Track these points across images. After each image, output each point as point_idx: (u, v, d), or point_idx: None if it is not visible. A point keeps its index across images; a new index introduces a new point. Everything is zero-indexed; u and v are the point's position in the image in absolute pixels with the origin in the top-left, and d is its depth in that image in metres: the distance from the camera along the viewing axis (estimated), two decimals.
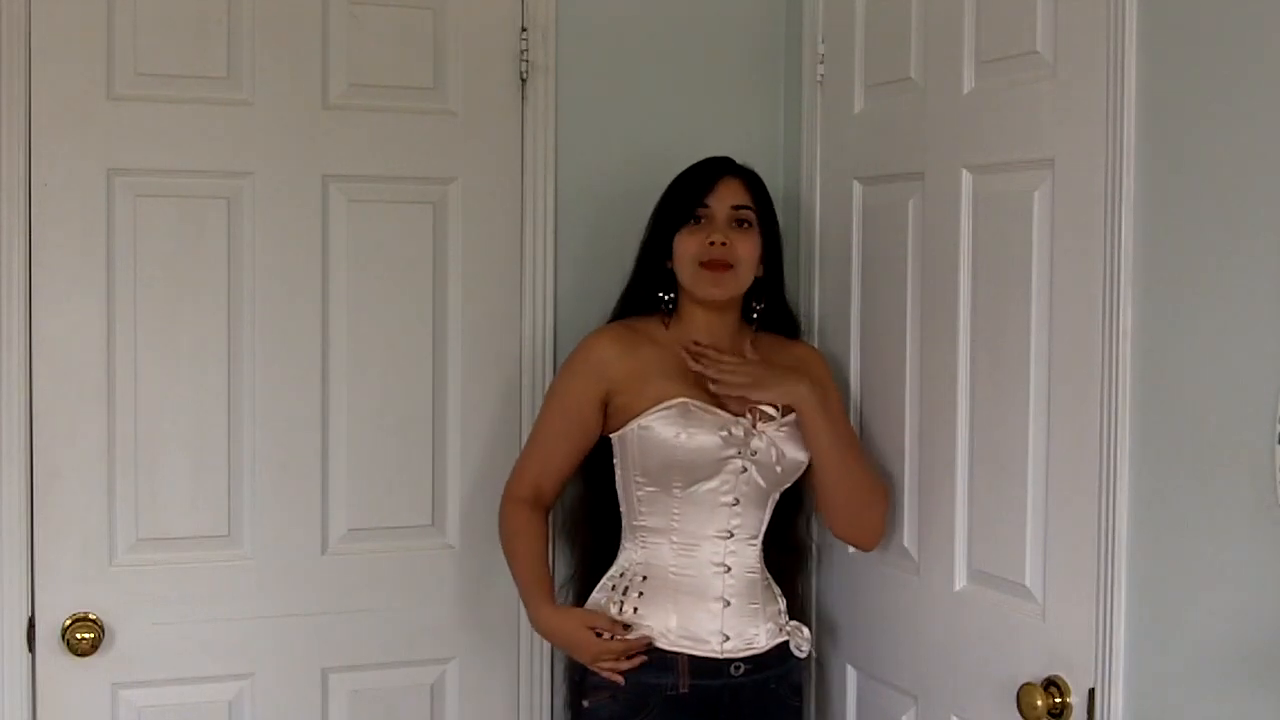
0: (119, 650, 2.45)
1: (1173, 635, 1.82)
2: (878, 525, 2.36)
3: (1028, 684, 2.01)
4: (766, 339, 2.42)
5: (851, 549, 2.47)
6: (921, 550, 2.32)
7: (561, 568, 2.58)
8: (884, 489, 2.36)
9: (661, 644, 2.28)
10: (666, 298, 2.39)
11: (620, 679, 2.26)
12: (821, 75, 2.63)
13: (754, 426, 2.28)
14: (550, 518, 2.45)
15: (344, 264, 2.54)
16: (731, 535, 2.30)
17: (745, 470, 2.28)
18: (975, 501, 2.19)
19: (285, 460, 2.52)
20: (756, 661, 2.31)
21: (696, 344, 2.31)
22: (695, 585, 2.29)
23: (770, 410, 2.28)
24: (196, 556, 2.49)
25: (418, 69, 2.58)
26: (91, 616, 2.42)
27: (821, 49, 2.63)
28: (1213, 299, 1.75)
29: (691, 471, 2.27)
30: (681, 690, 2.27)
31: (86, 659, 2.41)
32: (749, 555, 2.32)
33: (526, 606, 2.39)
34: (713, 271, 2.31)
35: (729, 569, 2.30)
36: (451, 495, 2.63)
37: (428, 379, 2.61)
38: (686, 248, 2.33)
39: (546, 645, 2.65)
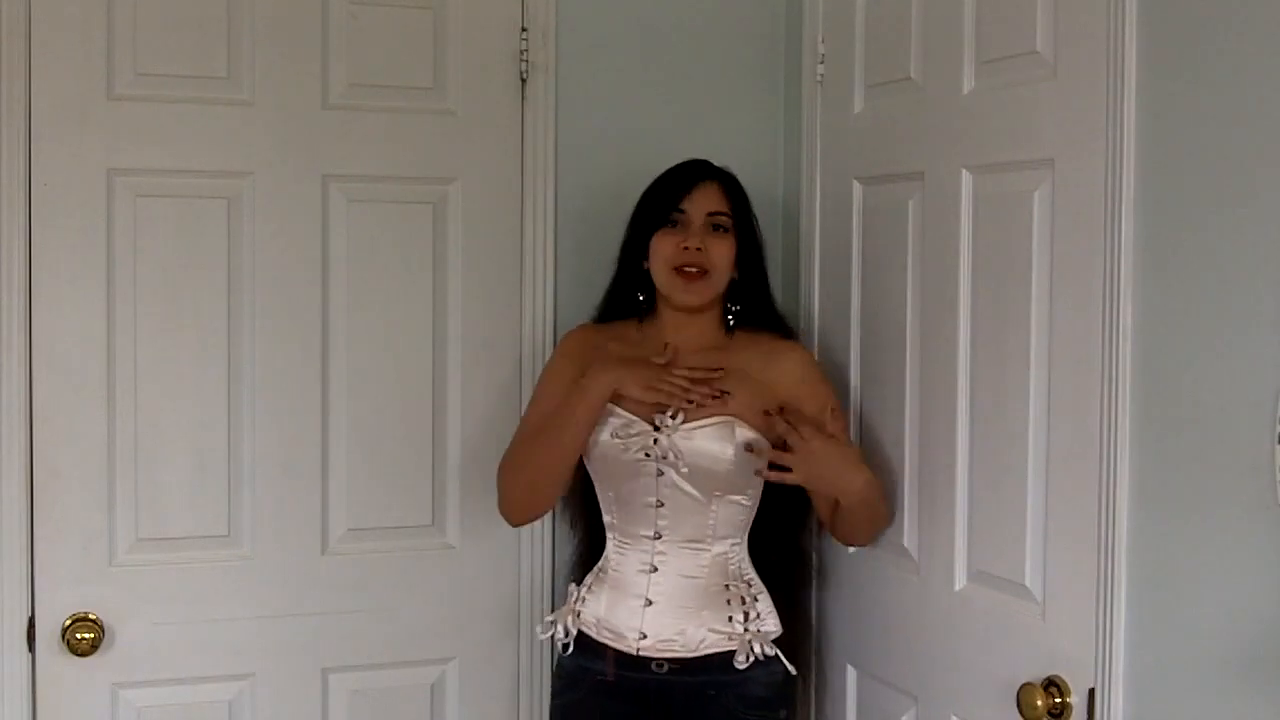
0: (119, 650, 2.45)
1: (1173, 635, 1.82)
2: (873, 537, 2.41)
3: (1028, 684, 2.01)
4: (749, 337, 2.41)
5: (851, 549, 2.48)
6: (921, 550, 2.32)
7: (566, 551, 2.61)
8: (889, 518, 2.38)
9: (590, 632, 2.34)
10: (642, 298, 2.40)
11: (694, 396, 2.26)
12: (821, 75, 2.63)
13: (655, 429, 2.28)
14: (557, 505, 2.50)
15: (344, 264, 2.55)
16: (659, 537, 2.31)
17: (662, 473, 2.28)
18: (975, 501, 2.19)
19: (285, 460, 2.52)
20: (686, 664, 2.30)
21: (779, 410, 2.27)
22: (622, 581, 2.33)
23: (669, 417, 2.27)
24: (196, 556, 2.49)
25: (418, 69, 2.58)
26: (91, 616, 2.42)
27: (821, 49, 2.63)
28: (1213, 299, 1.75)
29: (610, 470, 2.32)
30: (609, 678, 2.33)
31: (86, 659, 2.41)
32: (687, 559, 2.30)
33: (574, 410, 2.29)
34: (686, 279, 2.32)
35: (655, 569, 2.31)
36: (451, 495, 2.63)
37: (428, 378, 2.61)
38: (662, 249, 2.34)
39: (546, 645, 2.65)
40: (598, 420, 2.30)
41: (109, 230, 2.42)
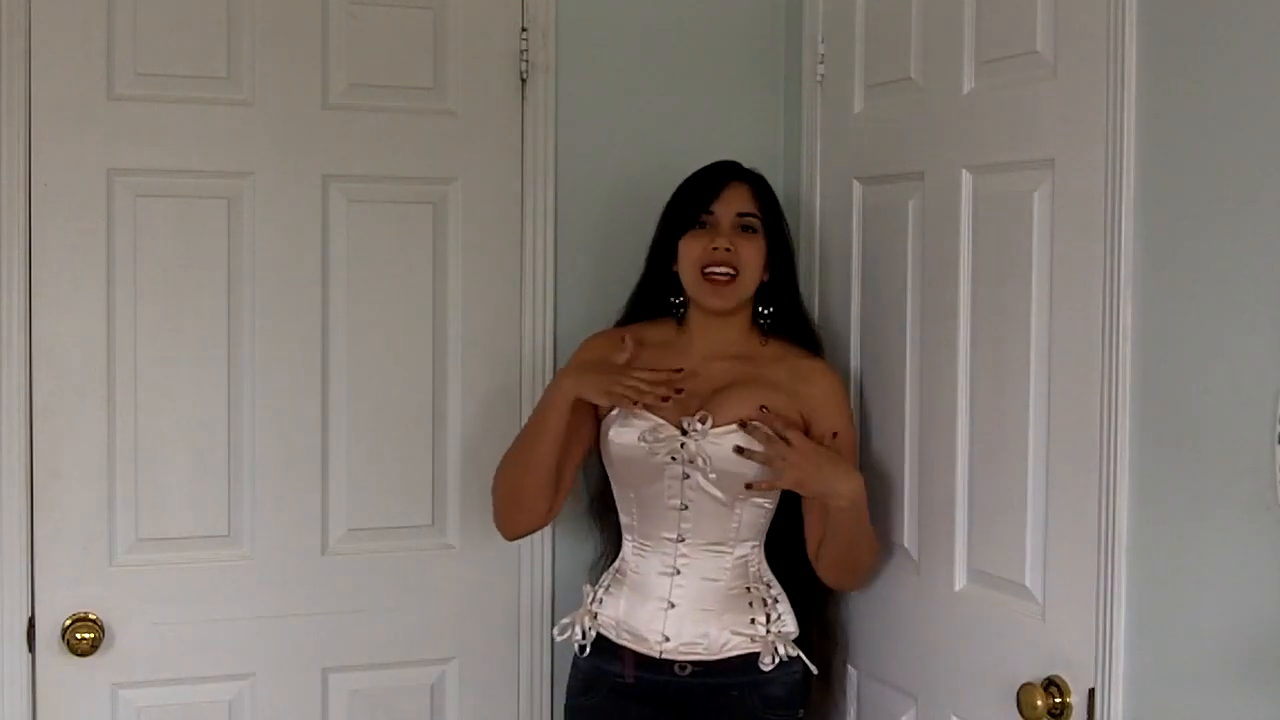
0: (119, 650, 2.45)
1: (1173, 635, 1.82)
2: (858, 584, 2.41)
3: (1028, 684, 2.01)
4: (781, 348, 2.40)
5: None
6: (921, 550, 2.32)
7: (590, 549, 2.60)
8: (875, 561, 2.36)
9: (609, 634, 2.34)
10: (678, 301, 2.39)
11: (649, 398, 2.22)
12: (821, 75, 2.63)
13: (684, 433, 2.27)
14: (572, 500, 2.48)
15: (344, 264, 2.54)
16: (682, 540, 2.30)
17: (688, 476, 2.28)
18: (975, 501, 2.19)
19: (285, 460, 2.52)
20: (709, 666, 2.29)
21: (764, 409, 2.26)
22: (643, 584, 2.32)
23: (698, 421, 2.26)
24: (196, 556, 2.49)
25: (418, 69, 2.58)
26: (91, 616, 2.42)
27: (821, 49, 2.63)
28: (1213, 299, 1.75)
29: (632, 472, 2.31)
30: (628, 680, 2.32)
31: (86, 659, 2.41)
32: (710, 562, 2.30)
33: (542, 419, 2.30)
34: (714, 284, 2.31)
35: (679, 572, 2.30)
36: (451, 495, 2.63)
37: (428, 379, 2.61)
38: (690, 252, 2.33)
39: (546, 645, 2.65)
40: (564, 428, 2.28)
41: (109, 230, 2.42)
